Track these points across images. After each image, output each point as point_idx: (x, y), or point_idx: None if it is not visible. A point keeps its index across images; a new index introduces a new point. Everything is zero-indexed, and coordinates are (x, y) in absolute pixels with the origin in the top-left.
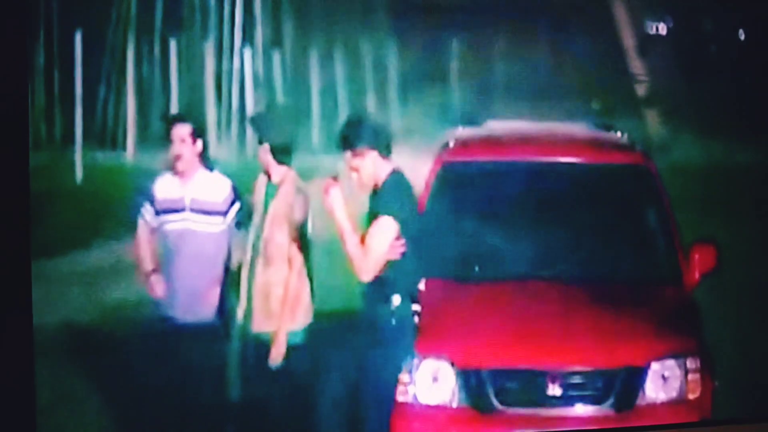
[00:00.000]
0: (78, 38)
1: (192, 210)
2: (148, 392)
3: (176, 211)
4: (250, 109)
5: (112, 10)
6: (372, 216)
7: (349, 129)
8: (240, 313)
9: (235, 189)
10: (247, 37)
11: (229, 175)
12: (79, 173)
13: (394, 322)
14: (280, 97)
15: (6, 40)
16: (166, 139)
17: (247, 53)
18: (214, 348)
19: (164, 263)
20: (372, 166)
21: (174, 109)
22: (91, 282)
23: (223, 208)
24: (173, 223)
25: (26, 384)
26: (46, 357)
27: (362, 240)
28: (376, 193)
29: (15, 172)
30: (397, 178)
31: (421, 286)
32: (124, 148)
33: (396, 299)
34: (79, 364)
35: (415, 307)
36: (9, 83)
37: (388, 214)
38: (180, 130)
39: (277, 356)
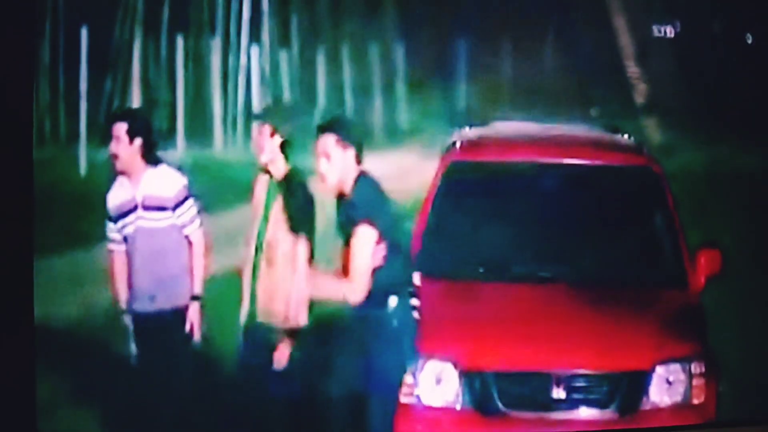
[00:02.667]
0: (84, 34)
1: (144, 208)
2: (150, 391)
3: (130, 212)
4: (256, 106)
5: (119, 5)
6: (345, 224)
7: (344, 118)
8: (243, 313)
9: (186, 187)
10: (254, 35)
11: (234, 172)
12: (83, 168)
13: (395, 323)
14: (286, 95)
15: (12, 35)
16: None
17: (254, 50)
18: (217, 347)
19: (130, 265)
20: (344, 162)
21: (180, 105)
22: (94, 278)
23: (172, 203)
24: (129, 225)
25: (27, 382)
26: (47, 354)
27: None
28: (343, 199)
29: (19, 167)
30: (366, 180)
31: (416, 280)
32: None
33: (393, 300)
34: (81, 362)
35: (414, 302)
36: (14, 78)
37: (365, 220)
38: (116, 129)
39: (281, 358)
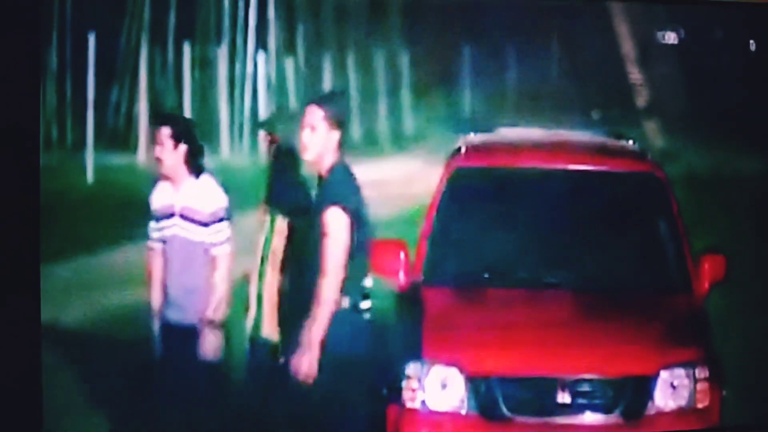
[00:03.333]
0: (91, 40)
1: (181, 216)
2: (154, 396)
3: (169, 216)
4: (263, 113)
5: (126, 13)
6: (318, 207)
7: (339, 97)
8: (249, 320)
9: (227, 208)
10: (261, 42)
11: (240, 179)
12: (90, 175)
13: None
14: (292, 102)
15: (19, 42)
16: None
17: (261, 58)
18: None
19: (166, 269)
20: (327, 140)
21: (186, 112)
22: (100, 284)
23: (207, 219)
24: (167, 229)
25: (33, 388)
26: (53, 359)
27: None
28: (320, 184)
29: (25, 174)
30: (345, 168)
31: (369, 282)
32: (135, 150)
33: (346, 301)
34: (87, 368)
35: (366, 304)
36: (21, 85)
37: (337, 203)
38: (161, 133)
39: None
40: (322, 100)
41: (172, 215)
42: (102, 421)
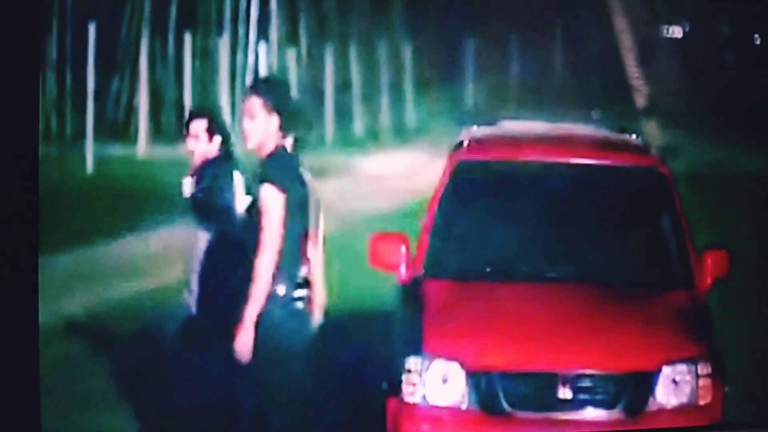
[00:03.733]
0: (91, 31)
1: None
2: (153, 389)
3: None
4: None
5: (126, 3)
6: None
7: (275, 83)
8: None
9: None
10: (262, 33)
11: (240, 169)
12: (89, 166)
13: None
14: (294, 94)
15: (18, 32)
16: (183, 134)
17: (262, 48)
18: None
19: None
20: (267, 126)
21: (187, 103)
22: (101, 274)
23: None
24: None
25: (31, 381)
26: (51, 353)
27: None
28: (260, 166)
29: (24, 165)
30: (284, 151)
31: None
32: (135, 141)
33: (281, 289)
34: (85, 361)
35: (300, 292)
36: (20, 76)
37: (271, 181)
38: (195, 126)
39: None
40: (258, 87)
41: None
42: (100, 415)
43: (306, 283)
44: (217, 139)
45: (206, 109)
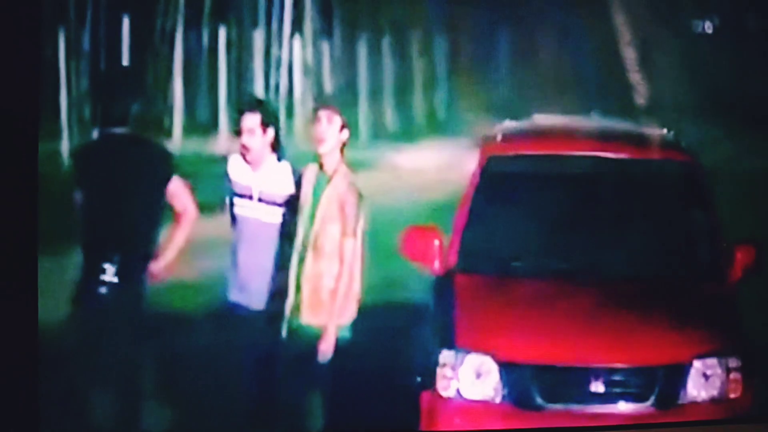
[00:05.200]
0: (125, 23)
1: (260, 200)
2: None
3: (244, 197)
4: (298, 98)
5: None
6: None
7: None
8: (288, 305)
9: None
10: (297, 26)
11: None
12: None
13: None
14: (328, 87)
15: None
16: (236, 129)
17: (297, 42)
18: (261, 340)
19: (234, 247)
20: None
21: (222, 97)
22: None
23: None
24: (242, 209)
25: (29, 384)
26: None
27: None
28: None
29: (24, 164)
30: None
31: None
32: (170, 135)
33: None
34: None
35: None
36: (20, 72)
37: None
38: (249, 120)
39: (326, 351)
40: (254, 106)
41: (248, 197)
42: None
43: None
44: (271, 132)
45: (259, 103)
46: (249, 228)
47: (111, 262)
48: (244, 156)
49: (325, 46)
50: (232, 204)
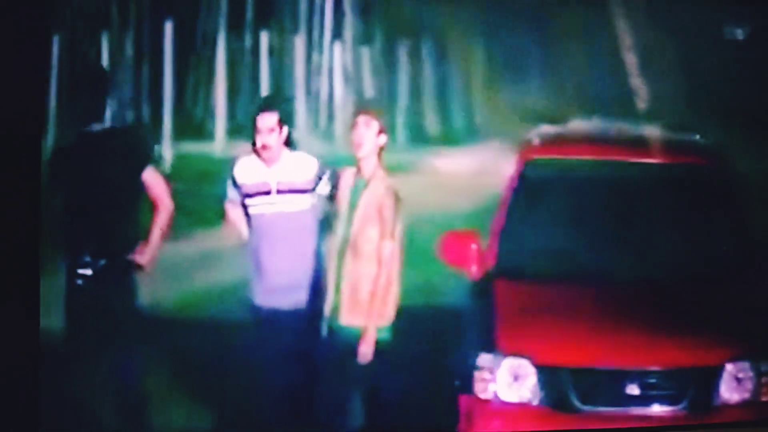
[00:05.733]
0: (168, 28)
1: (279, 192)
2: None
3: (261, 194)
4: (338, 102)
5: (203, 0)
6: None
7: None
8: (327, 306)
9: (320, 162)
10: (337, 32)
11: None
12: (167, 163)
13: None
14: (368, 92)
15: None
16: (252, 129)
17: (337, 47)
18: (300, 340)
19: (255, 249)
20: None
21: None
22: (182, 268)
23: (312, 184)
24: (259, 207)
25: (31, 393)
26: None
27: None
28: None
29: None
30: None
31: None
32: (213, 138)
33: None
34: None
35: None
36: (27, 77)
37: None
38: (268, 120)
39: (366, 352)
40: (273, 104)
41: (266, 193)
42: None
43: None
44: (285, 129)
45: (276, 102)
46: (270, 224)
47: (94, 255)
48: (261, 155)
49: (365, 52)
50: (245, 207)
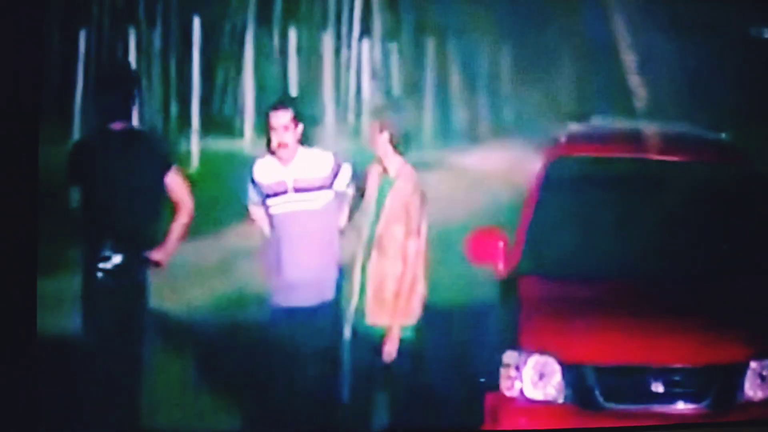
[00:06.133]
0: (196, 24)
1: (296, 190)
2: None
3: (279, 194)
4: (366, 99)
5: None
6: None
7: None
8: (352, 305)
9: (336, 156)
10: (365, 28)
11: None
12: (195, 160)
13: None
14: (396, 89)
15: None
16: (267, 127)
17: (365, 44)
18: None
19: (275, 248)
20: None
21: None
22: (204, 267)
23: (329, 180)
24: (277, 207)
25: (30, 399)
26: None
27: None
28: None
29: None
30: None
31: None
32: (241, 135)
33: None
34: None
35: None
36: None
37: None
38: (282, 118)
39: (391, 351)
40: (286, 102)
41: (283, 193)
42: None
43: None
44: (300, 127)
45: (289, 99)
46: (288, 223)
47: (112, 251)
48: (277, 153)
49: (393, 48)
50: (266, 207)
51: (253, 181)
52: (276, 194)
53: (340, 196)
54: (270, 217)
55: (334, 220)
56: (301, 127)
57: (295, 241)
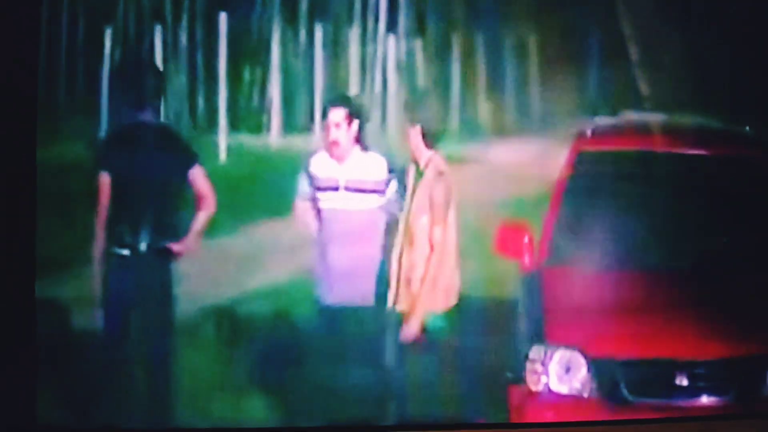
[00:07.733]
0: (222, 20)
1: (347, 189)
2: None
3: (330, 190)
4: (392, 95)
5: None
6: None
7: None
8: (391, 296)
9: (390, 167)
10: (391, 24)
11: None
12: (222, 156)
13: None
14: (422, 84)
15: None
16: (322, 124)
17: (391, 40)
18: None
19: (322, 243)
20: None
21: (318, 94)
22: (232, 262)
23: (382, 186)
24: (327, 201)
25: (29, 399)
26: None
27: None
28: None
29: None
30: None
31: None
32: (268, 131)
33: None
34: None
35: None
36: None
37: None
38: (335, 115)
39: (409, 334)
40: (340, 99)
41: (334, 189)
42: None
43: None
44: (355, 125)
45: (344, 98)
46: (336, 220)
47: (136, 237)
48: (331, 151)
49: (419, 44)
50: (316, 200)
51: (307, 173)
52: (327, 189)
53: (390, 201)
54: (318, 211)
55: (381, 224)
56: (355, 125)
57: (341, 238)
